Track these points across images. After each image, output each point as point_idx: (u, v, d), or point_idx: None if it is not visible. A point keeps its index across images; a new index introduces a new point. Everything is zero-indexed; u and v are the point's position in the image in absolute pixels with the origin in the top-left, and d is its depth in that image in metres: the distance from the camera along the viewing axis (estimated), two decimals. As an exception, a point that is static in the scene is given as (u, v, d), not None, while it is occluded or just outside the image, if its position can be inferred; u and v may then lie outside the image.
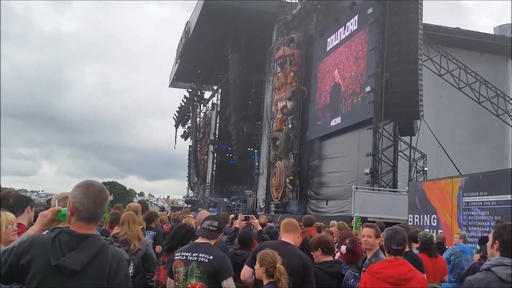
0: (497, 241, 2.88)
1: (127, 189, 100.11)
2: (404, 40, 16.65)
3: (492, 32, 26.66)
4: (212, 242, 3.86)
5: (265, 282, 3.59)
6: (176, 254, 3.88)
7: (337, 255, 5.38)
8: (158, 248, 6.60)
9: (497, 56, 24.23)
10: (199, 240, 3.90)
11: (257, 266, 3.57)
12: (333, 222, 10.79)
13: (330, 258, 4.49)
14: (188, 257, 3.73)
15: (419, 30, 16.40)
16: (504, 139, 23.63)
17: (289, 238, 4.43)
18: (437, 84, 20.01)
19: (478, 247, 7.89)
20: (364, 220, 12.55)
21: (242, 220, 5.85)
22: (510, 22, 26.91)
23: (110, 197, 11.84)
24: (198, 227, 5.21)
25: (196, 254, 3.70)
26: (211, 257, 3.67)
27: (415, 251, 6.35)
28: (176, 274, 3.76)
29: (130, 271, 4.77)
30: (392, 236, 3.71)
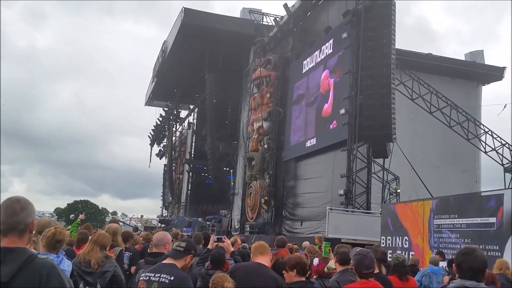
0: (453, 265, 3.07)
1: (100, 208, 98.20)
2: (377, 64, 17.00)
3: (463, 58, 27.46)
4: (178, 263, 3.83)
5: None
6: (141, 275, 3.89)
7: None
8: (133, 269, 6.51)
9: (468, 81, 24.98)
10: (166, 260, 3.89)
11: None
12: (306, 243, 10.82)
13: (303, 279, 4.53)
14: (151, 277, 3.74)
15: (392, 55, 16.77)
16: (475, 163, 24.21)
17: (264, 260, 4.45)
18: (410, 108, 20.45)
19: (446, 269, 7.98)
20: (337, 241, 12.60)
21: (214, 242, 5.83)
22: (481, 49, 27.80)
23: (82, 216, 11.58)
24: (153, 249, 5.17)
25: (159, 275, 3.72)
26: (172, 278, 3.67)
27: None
28: None
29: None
30: (361, 261, 3.78)
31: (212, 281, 3.57)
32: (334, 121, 19.70)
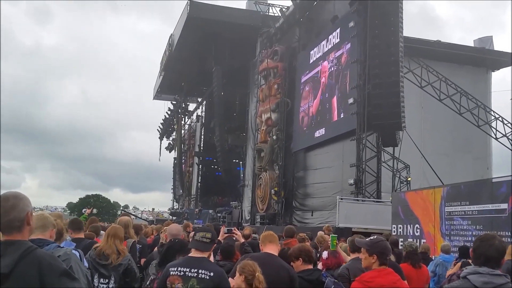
0: (470, 250, 3.08)
1: (111, 202, 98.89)
2: (385, 52, 16.88)
3: (472, 44, 27.16)
4: (207, 255, 3.76)
5: None
6: (171, 269, 3.70)
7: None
8: (143, 261, 6.59)
9: (477, 68, 24.69)
10: (193, 253, 3.77)
11: (236, 276, 3.56)
12: (320, 233, 10.84)
13: (310, 267, 4.55)
14: (187, 273, 3.59)
15: (400, 43, 16.65)
16: (486, 150, 24.00)
17: (273, 249, 4.46)
18: (419, 95, 20.31)
19: (455, 256, 7.93)
20: (348, 231, 12.61)
21: (225, 233, 5.86)
22: (490, 35, 27.44)
23: (89, 210, 11.71)
24: (168, 239, 5.13)
25: (196, 270, 3.58)
26: (212, 274, 3.56)
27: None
28: None
29: (111, 287, 4.73)
30: None
31: (242, 269, 3.45)
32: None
